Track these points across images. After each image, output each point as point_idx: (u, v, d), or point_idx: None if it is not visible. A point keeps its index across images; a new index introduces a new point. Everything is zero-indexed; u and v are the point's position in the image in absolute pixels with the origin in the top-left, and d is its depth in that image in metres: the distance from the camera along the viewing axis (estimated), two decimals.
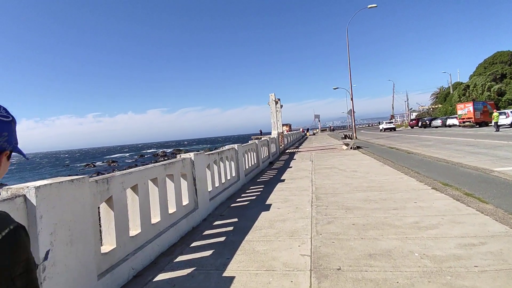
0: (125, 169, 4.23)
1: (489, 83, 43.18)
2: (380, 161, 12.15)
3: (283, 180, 9.30)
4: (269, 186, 8.49)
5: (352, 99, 29.72)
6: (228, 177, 7.95)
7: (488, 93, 42.52)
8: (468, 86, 47.32)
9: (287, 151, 22.22)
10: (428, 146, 17.67)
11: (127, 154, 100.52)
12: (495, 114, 25.92)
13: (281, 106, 23.67)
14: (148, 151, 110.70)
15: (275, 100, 20.37)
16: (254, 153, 11.77)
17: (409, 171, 9.27)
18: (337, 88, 33.73)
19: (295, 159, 15.72)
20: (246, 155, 10.22)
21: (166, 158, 57.85)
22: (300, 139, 43.45)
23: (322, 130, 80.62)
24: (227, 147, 8.73)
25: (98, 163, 63.49)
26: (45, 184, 2.40)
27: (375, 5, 29.60)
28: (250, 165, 10.58)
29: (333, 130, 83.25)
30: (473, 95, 44.82)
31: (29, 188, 2.32)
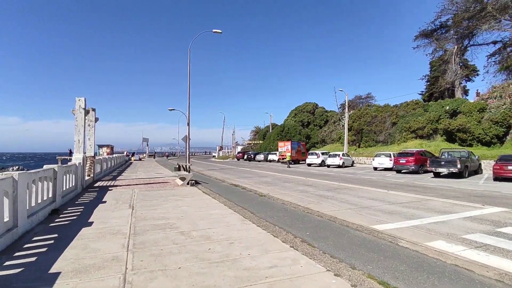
0: None
1: (299, 128, 51.05)
2: (235, 210, 8.57)
3: (53, 282, 3.85)
4: None
5: (188, 124, 26.25)
6: None
7: (299, 136, 50.08)
8: (284, 128, 54.52)
9: (97, 184, 15.56)
10: (270, 184, 16.05)
11: None
12: (288, 154, 34.20)
13: (97, 120, 16.97)
14: None
15: (85, 109, 13.79)
16: None
17: (292, 237, 5.97)
18: (173, 109, 29.75)
19: (104, 202, 9.91)
20: None
21: None
22: (123, 165, 35.83)
23: (149, 155, 73.34)
24: None
25: None
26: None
27: (220, 31, 28.31)
28: None
29: (168, 156, 77.85)
30: (287, 136, 51.69)
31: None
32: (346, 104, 41.26)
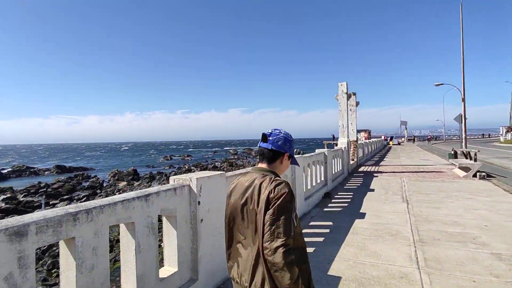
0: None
1: None
2: None
3: None
4: None
5: (464, 100, 20.74)
6: None
7: None
8: None
9: (361, 169, 15.35)
10: None
11: (204, 150, 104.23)
12: None
13: (357, 104, 16.84)
14: (224, 148, 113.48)
15: (347, 93, 13.78)
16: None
17: None
18: (441, 84, 24.69)
19: (372, 190, 9.09)
20: None
21: (236, 157, 56.73)
22: (382, 150, 34.82)
23: (408, 139, 67.51)
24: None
25: (175, 157, 66.78)
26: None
27: None
28: None
29: (430, 139, 66.35)
30: None
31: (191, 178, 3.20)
32: None
